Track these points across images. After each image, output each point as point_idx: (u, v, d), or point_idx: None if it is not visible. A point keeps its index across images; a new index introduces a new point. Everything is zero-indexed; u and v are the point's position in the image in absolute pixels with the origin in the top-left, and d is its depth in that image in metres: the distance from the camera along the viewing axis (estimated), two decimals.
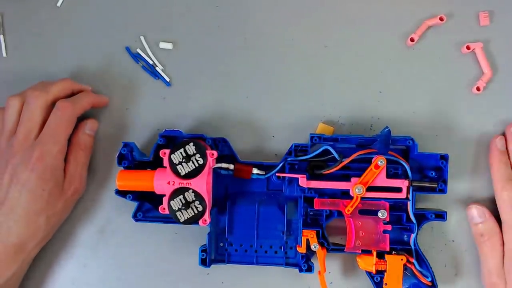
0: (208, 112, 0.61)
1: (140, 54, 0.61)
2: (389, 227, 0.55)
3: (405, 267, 0.55)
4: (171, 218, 0.54)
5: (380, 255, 0.55)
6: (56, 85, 0.57)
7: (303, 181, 0.55)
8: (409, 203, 0.55)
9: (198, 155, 0.54)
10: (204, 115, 0.61)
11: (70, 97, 0.58)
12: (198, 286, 0.60)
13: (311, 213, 0.57)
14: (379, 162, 0.54)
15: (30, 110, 0.56)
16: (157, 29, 0.61)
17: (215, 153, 0.54)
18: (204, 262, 0.56)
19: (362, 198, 0.55)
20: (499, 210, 0.56)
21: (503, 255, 0.55)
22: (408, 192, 0.55)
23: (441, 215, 0.56)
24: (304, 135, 0.60)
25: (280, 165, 0.56)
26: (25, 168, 0.54)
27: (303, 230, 0.56)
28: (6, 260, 0.54)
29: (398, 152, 0.56)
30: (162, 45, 0.61)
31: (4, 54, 0.62)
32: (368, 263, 0.55)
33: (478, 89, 0.59)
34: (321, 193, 0.56)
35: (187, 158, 0.54)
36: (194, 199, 0.54)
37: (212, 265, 0.57)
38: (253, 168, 0.57)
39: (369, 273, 0.56)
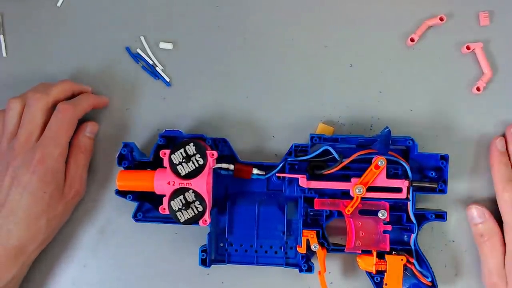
0: (208, 112, 0.61)
1: (140, 54, 0.61)
2: (389, 227, 0.56)
3: (405, 267, 0.55)
4: (171, 218, 0.54)
5: (380, 255, 0.55)
6: (56, 87, 0.57)
7: (303, 181, 0.55)
8: (409, 203, 0.55)
9: (198, 155, 0.54)
10: (204, 115, 0.61)
11: (70, 98, 0.58)
12: (198, 286, 0.60)
13: (311, 213, 0.57)
14: (379, 162, 0.54)
15: (31, 112, 0.56)
16: (157, 29, 0.61)
17: (215, 153, 0.54)
18: (204, 262, 0.56)
19: (362, 198, 0.55)
20: (500, 211, 0.56)
21: (504, 255, 0.55)
22: (408, 192, 0.55)
23: (441, 215, 0.56)
24: (304, 135, 0.60)
25: (280, 165, 0.56)
26: (26, 170, 0.54)
27: (303, 230, 0.56)
28: (6, 263, 0.54)
29: (398, 152, 0.56)
30: (162, 45, 0.61)
31: (4, 54, 0.62)
32: (368, 263, 0.55)
33: (478, 89, 0.59)
34: (321, 193, 0.56)
35: (187, 158, 0.54)
36: (194, 199, 0.54)
37: (212, 265, 0.57)
38: (253, 168, 0.57)
39: (369, 273, 0.56)
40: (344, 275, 0.60)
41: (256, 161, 0.58)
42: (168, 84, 0.61)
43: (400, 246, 0.56)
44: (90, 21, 0.62)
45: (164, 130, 0.57)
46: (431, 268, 0.55)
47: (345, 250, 0.56)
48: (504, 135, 0.58)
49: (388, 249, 0.55)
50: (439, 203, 0.59)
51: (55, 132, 0.55)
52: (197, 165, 0.54)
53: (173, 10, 0.62)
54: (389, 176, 0.56)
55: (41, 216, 0.55)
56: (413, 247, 0.56)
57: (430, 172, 0.56)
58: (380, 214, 0.55)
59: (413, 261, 0.55)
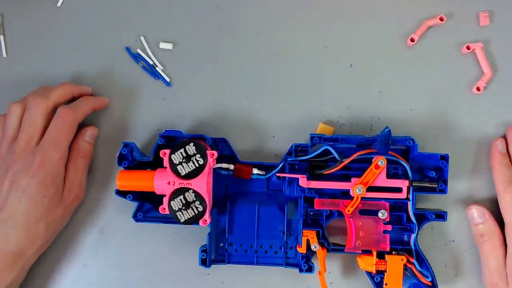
0: (208, 112, 0.61)
1: (140, 54, 0.61)
2: (389, 227, 0.55)
3: (405, 267, 0.55)
4: (171, 218, 0.54)
5: (380, 255, 0.55)
6: (56, 90, 0.57)
7: (303, 181, 0.55)
8: (409, 203, 0.55)
9: (198, 155, 0.54)
10: (204, 115, 0.61)
11: (71, 101, 0.58)
12: (198, 286, 0.60)
13: (311, 213, 0.57)
14: (379, 162, 0.54)
15: (31, 116, 0.56)
16: (157, 29, 0.61)
17: (215, 153, 0.54)
18: (204, 262, 0.56)
19: (362, 198, 0.55)
20: (502, 212, 0.56)
21: (504, 255, 0.55)
22: (408, 192, 0.55)
23: (441, 215, 0.56)
24: (304, 135, 0.60)
25: (280, 165, 0.56)
26: (25, 174, 0.54)
27: (303, 230, 0.56)
28: (5, 267, 0.54)
29: (398, 152, 0.56)
30: (162, 45, 0.61)
31: (4, 55, 0.62)
32: (368, 263, 0.55)
33: (478, 89, 0.59)
34: (321, 193, 0.56)
35: (187, 158, 0.54)
36: (194, 199, 0.54)
37: (212, 265, 0.57)
38: (253, 168, 0.57)
39: (369, 273, 0.56)
40: (344, 275, 0.60)
41: (256, 161, 0.58)
42: (168, 84, 0.61)
43: (400, 246, 0.56)
44: (90, 21, 0.62)
45: (164, 130, 0.57)
46: (431, 268, 0.55)
47: (345, 250, 0.56)
48: (504, 136, 0.58)
49: (388, 249, 0.55)
50: (439, 203, 0.59)
51: (55, 136, 0.55)
52: (197, 165, 0.54)
53: (173, 10, 0.62)
54: (389, 176, 0.56)
55: (40, 220, 0.55)
56: (413, 247, 0.56)
57: (430, 172, 0.56)
58: (380, 214, 0.55)
59: (413, 261, 0.55)
